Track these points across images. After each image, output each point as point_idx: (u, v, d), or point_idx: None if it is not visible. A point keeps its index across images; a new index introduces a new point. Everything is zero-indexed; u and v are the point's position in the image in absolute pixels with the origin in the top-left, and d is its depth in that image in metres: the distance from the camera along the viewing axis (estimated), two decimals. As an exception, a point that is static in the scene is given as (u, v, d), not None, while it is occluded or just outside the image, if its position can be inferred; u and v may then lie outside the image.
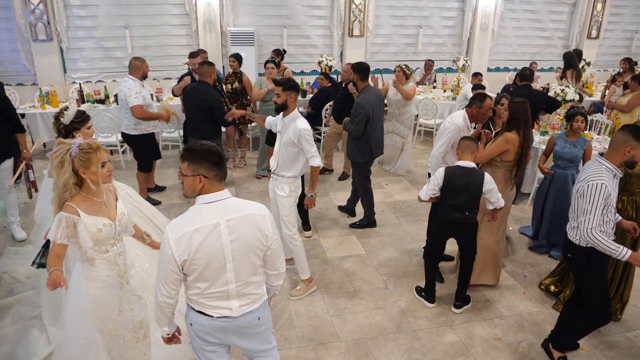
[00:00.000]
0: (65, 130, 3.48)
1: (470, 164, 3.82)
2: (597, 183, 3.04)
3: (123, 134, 5.83)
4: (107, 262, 2.65)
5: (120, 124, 5.83)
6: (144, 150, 5.84)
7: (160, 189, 6.53)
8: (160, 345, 2.76)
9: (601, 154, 3.20)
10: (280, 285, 2.62)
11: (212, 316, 2.32)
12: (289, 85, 4.05)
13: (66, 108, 3.51)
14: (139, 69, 5.52)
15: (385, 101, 7.07)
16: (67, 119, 3.46)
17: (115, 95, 7.21)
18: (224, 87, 6.90)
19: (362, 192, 5.56)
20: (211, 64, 5.63)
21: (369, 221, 5.64)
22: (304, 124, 4.00)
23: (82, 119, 3.53)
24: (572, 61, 8.67)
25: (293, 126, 4.01)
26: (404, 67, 6.94)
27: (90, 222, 2.51)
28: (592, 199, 3.04)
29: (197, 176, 2.19)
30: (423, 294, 4.30)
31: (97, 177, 2.53)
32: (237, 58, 7.02)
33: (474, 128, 4.75)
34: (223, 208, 2.23)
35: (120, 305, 2.73)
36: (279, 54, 7.96)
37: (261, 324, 2.47)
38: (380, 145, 5.59)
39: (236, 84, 6.95)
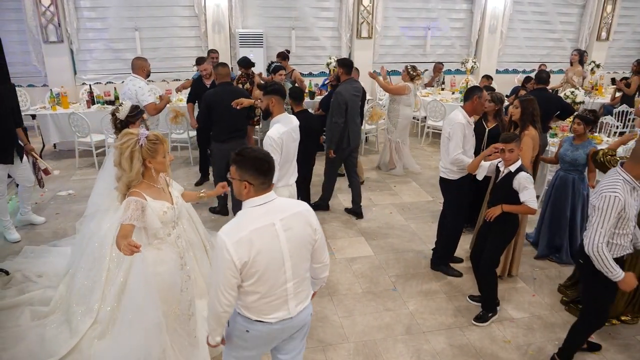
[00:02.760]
0: (122, 125, 3.76)
1: None
2: (609, 196, 2.92)
3: None
4: (170, 245, 2.85)
5: None
6: None
7: None
8: None
9: (622, 164, 3.07)
10: (326, 277, 2.64)
11: (270, 322, 2.32)
12: (268, 89, 4.03)
13: (121, 104, 3.82)
14: (142, 68, 5.59)
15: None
16: (122, 114, 3.77)
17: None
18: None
19: (328, 177, 5.90)
20: (225, 65, 5.66)
21: (323, 204, 6.07)
22: (271, 131, 3.91)
23: (136, 112, 3.84)
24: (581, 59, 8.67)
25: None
26: (409, 68, 7.00)
27: (156, 206, 2.71)
28: (603, 213, 2.94)
29: (242, 182, 2.21)
30: (491, 314, 4.08)
31: (162, 166, 2.75)
32: (241, 64, 6.99)
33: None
34: (273, 209, 2.25)
35: (181, 285, 2.91)
36: (285, 57, 7.93)
37: (310, 320, 2.53)
38: (358, 134, 6.00)
39: (247, 85, 6.96)
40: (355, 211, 5.96)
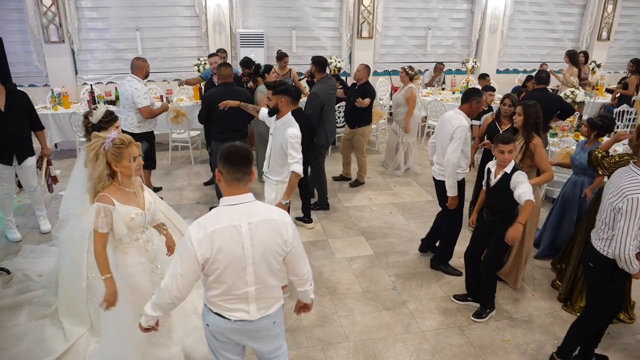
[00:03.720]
0: (93, 129, 3.60)
1: None
2: (636, 198, 2.78)
3: (125, 133, 5.85)
4: (138, 249, 2.83)
5: (123, 122, 5.87)
6: (149, 147, 5.90)
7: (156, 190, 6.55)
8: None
9: (634, 162, 2.98)
10: (309, 292, 2.61)
11: (229, 319, 2.34)
12: (278, 89, 4.10)
13: (96, 107, 3.68)
14: (141, 68, 5.60)
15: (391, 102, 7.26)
16: (95, 118, 3.62)
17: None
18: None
19: (314, 175, 5.96)
20: (229, 65, 5.67)
21: (323, 203, 6.10)
22: (293, 130, 4.02)
23: (110, 118, 3.69)
24: (575, 59, 8.66)
25: (284, 131, 4.04)
26: (407, 68, 7.03)
27: (124, 211, 2.69)
28: (631, 216, 2.80)
29: (218, 169, 2.27)
30: (489, 310, 4.11)
31: (128, 170, 2.70)
32: (245, 65, 6.98)
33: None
34: (245, 211, 2.25)
35: (152, 288, 2.87)
36: (282, 57, 7.92)
37: (276, 327, 2.50)
38: (334, 131, 6.29)
39: (250, 84, 6.97)
40: (322, 206, 6.07)
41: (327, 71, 6.08)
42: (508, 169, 3.71)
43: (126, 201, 2.73)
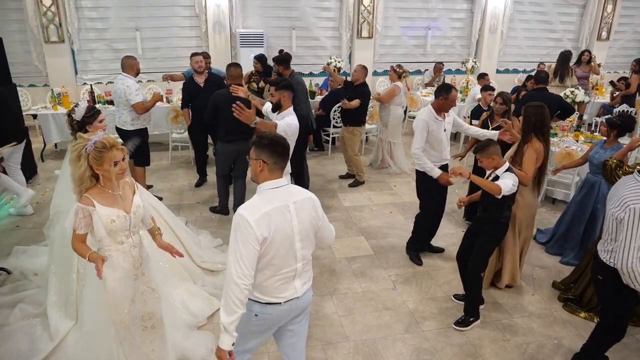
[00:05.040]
0: (79, 126, 3.68)
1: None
2: (636, 208, 2.71)
3: (119, 130, 5.87)
4: (122, 253, 2.74)
5: (117, 120, 5.89)
6: (142, 144, 5.90)
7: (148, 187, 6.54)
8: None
9: (639, 171, 2.87)
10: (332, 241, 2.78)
11: (279, 303, 2.47)
12: (281, 85, 4.25)
13: (77, 105, 3.74)
14: (132, 66, 5.65)
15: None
16: (78, 114, 3.69)
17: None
18: (246, 86, 6.88)
19: (299, 168, 5.94)
20: (238, 65, 5.66)
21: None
22: (289, 119, 4.20)
23: (92, 113, 3.75)
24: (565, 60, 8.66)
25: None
26: (395, 66, 7.08)
27: (104, 213, 2.62)
28: (633, 227, 2.71)
29: (258, 160, 2.40)
30: (472, 319, 3.98)
31: (108, 174, 2.63)
32: (260, 60, 7.00)
33: (444, 118, 4.65)
34: (287, 192, 2.44)
35: (133, 296, 2.82)
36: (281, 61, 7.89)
37: (310, 302, 2.68)
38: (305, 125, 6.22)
39: (262, 83, 6.96)
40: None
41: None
42: (500, 171, 3.67)
43: (109, 203, 2.66)
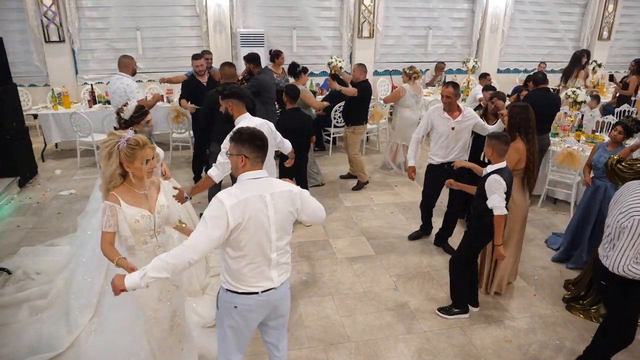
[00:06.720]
0: (126, 125, 3.71)
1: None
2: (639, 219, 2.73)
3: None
4: (146, 253, 2.75)
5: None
6: None
7: None
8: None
9: None
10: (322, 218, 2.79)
11: (256, 292, 2.51)
12: (225, 93, 4.10)
13: (126, 104, 3.78)
14: (128, 66, 5.68)
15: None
16: (126, 114, 3.72)
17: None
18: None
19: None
20: (232, 65, 5.65)
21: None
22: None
23: (140, 113, 3.77)
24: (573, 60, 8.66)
25: None
26: (406, 69, 7.06)
27: (129, 212, 2.63)
28: (634, 236, 2.75)
29: (239, 156, 2.46)
30: (456, 310, 4.06)
31: (139, 172, 2.65)
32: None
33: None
34: (266, 183, 2.50)
35: (159, 294, 2.83)
36: (278, 55, 7.82)
37: (289, 296, 2.74)
38: (274, 112, 6.53)
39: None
40: None
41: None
42: (491, 168, 3.67)
43: (135, 203, 2.66)
